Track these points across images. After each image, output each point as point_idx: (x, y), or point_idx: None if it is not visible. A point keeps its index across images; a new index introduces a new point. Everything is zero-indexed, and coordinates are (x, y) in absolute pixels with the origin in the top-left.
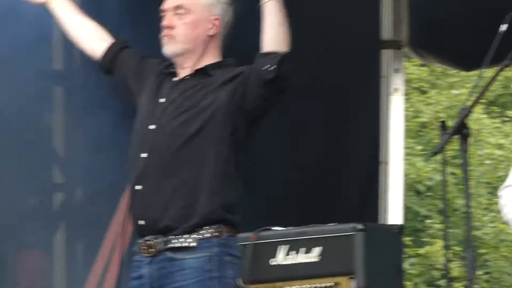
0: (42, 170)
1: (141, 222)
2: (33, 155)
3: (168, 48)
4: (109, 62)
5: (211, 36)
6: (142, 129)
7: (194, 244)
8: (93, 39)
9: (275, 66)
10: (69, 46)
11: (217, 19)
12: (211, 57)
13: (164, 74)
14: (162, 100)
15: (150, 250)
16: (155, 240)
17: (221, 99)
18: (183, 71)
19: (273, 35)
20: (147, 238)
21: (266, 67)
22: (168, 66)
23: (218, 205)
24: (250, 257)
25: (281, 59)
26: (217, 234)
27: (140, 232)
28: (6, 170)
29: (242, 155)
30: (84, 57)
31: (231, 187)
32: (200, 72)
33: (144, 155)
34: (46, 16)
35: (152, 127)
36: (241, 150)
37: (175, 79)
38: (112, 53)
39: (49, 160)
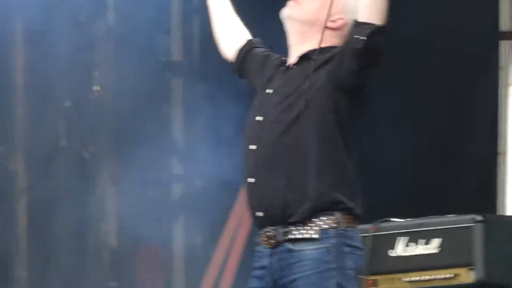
0: (162, 161)
1: (259, 214)
2: (153, 146)
3: (287, 10)
4: (239, 66)
5: (327, 28)
6: (251, 122)
7: (313, 235)
8: (229, 41)
9: (365, 37)
10: (187, 38)
11: (342, 19)
12: (318, 46)
13: (277, 66)
14: (269, 91)
15: (270, 241)
16: (274, 231)
17: (318, 81)
18: (291, 58)
19: (369, 4)
20: (266, 229)
21: (356, 36)
22: (281, 58)
23: (328, 186)
24: (370, 248)
25: (373, 31)
26: (336, 225)
27: (259, 224)
28: (126, 161)
29: (359, 144)
30: (202, 48)
31: (341, 168)
32: (303, 59)
33: (253, 147)
34: (165, 8)
35: (259, 118)
36: (349, 132)
37: (282, 68)
38: (241, 56)
39: (169, 151)
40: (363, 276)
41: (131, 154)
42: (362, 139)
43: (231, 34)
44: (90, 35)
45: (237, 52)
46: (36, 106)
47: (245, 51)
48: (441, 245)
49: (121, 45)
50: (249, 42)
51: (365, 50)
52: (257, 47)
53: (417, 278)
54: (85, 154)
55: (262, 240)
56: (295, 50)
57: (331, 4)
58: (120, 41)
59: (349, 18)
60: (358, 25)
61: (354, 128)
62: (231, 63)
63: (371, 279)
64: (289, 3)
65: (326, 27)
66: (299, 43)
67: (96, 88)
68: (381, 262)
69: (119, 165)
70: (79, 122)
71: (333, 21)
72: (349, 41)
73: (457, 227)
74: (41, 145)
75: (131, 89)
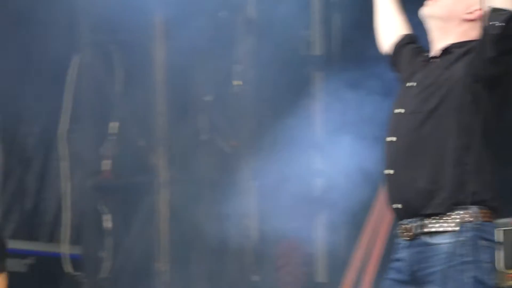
0: (303, 155)
1: (397, 206)
2: (294, 141)
3: (427, 9)
4: (392, 60)
5: (465, 21)
6: (392, 115)
7: (449, 228)
8: (387, 35)
9: (503, 23)
10: (328, 32)
11: (478, 10)
12: (459, 39)
13: (420, 62)
14: (410, 84)
15: (407, 233)
16: (411, 224)
17: (458, 72)
18: (433, 53)
19: None
20: (404, 221)
21: (493, 22)
22: (425, 54)
23: (465, 177)
24: (511, 242)
25: (510, 17)
26: (472, 218)
27: (398, 216)
28: (267, 155)
29: (500, 135)
30: (343, 42)
31: (478, 159)
32: (445, 53)
33: (392, 139)
34: (305, 3)
35: (399, 111)
36: (491, 123)
37: (425, 63)
38: (395, 51)
39: (309, 145)
40: (503, 270)
41: (272, 148)
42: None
43: (390, 28)
44: (230, 30)
45: (393, 46)
46: (176, 100)
47: (399, 46)
48: None
49: (261, 40)
50: (404, 37)
51: (502, 36)
52: (411, 42)
53: None
54: (226, 148)
55: (400, 232)
56: (437, 45)
57: None
58: (261, 35)
59: (485, 8)
60: (494, 12)
61: (498, 120)
62: (386, 56)
63: (511, 273)
64: (427, 2)
65: (464, 20)
66: (440, 38)
67: (236, 82)
68: None
69: (260, 159)
70: (220, 116)
71: (470, 12)
72: (486, 29)
73: None
74: (182, 139)
75: (272, 83)
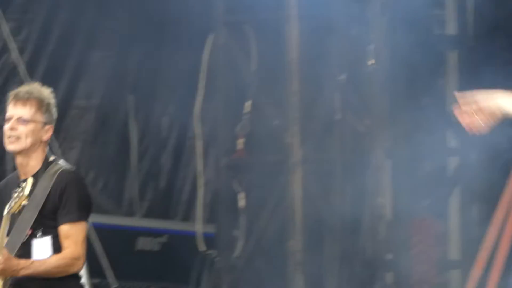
0: (437, 134)
1: None
2: (428, 120)
3: None
4: None
5: None
6: None
7: None
8: None
9: None
10: (461, 11)
11: None
12: None
13: None
14: None
15: None
16: None
17: None
18: None
19: None
20: None
21: None
22: None
23: None
24: None
25: None
26: None
27: None
28: (401, 134)
29: None
30: (477, 22)
31: None
32: None
33: None
34: None
35: None
36: None
37: None
38: None
39: (444, 124)
40: None
41: (405, 128)
42: None
43: None
44: (365, 10)
45: None
46: (310, 80)
47: None
48: None
49: (396, 19)
50: None
51: None
52: None
53: None
54: (360, 127)
55: None
56: None
57: None
58: (395, 15)
59: None
60: None
61: None
62: None
63: None
64: None
65: None
66: None
67: (371, 61)
68: None
69: (394, 139)
70: (354, 95)
71: None
72: None
73: None
74: (316, 118)
75: (405, 62)
